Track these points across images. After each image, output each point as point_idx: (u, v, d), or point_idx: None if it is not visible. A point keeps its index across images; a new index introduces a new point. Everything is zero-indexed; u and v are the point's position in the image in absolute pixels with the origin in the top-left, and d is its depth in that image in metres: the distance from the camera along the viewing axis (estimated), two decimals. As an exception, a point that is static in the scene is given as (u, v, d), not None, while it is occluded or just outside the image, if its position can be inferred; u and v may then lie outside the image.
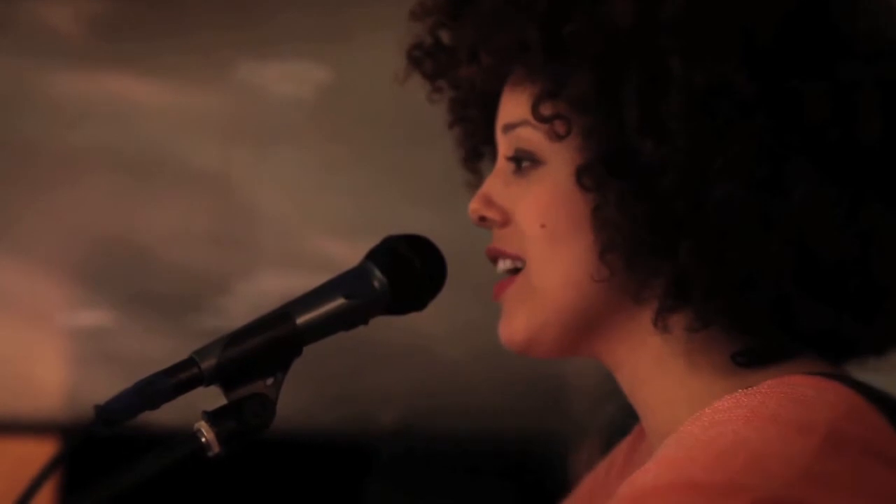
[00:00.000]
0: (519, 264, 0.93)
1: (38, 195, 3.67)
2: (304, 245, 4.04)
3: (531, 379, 6.02)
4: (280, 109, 3.01)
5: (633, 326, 0.91)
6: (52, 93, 2.99)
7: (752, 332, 0.86)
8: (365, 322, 0.91)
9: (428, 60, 0.98)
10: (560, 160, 0.90)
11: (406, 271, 0.92)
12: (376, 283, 0.90)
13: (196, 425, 0.84)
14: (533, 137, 0.91)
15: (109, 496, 0.82)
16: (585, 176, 0.88)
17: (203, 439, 0.83)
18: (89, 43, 2.77)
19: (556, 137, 0.89)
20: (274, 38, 2.71)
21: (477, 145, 1.02)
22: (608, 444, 0.99)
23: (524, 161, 0.92)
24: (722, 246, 0.84)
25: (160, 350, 4.84)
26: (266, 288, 4.32)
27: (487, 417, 7.43)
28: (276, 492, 8.18)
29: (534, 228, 0.91)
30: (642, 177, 0.85)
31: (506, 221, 0.93)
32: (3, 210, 3.80)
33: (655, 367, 0.90)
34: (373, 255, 0.92)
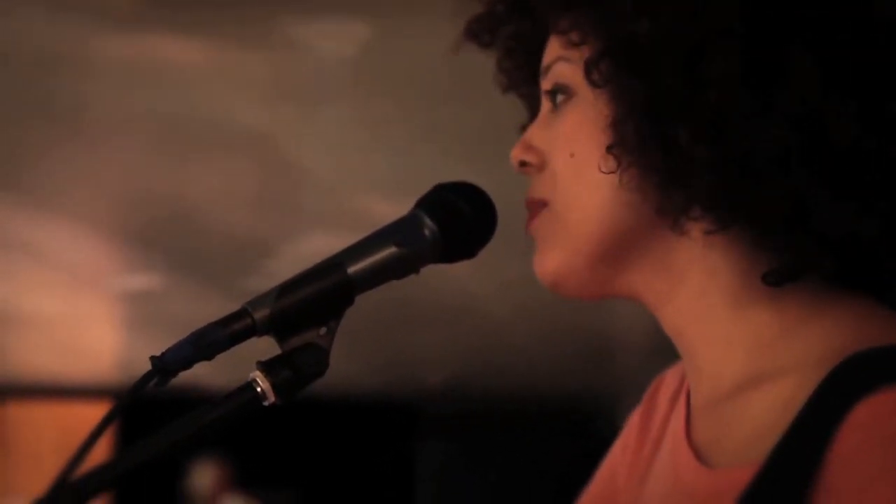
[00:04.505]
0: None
1: (86, 159, 3.70)
2: (349, 204, 4.04)
3: (579, 336, 6.04)
4: (323, 67, 3.01)
5: (670, 259, 0.90)
6: (98, 56, 3.00)
7: (771, 230, 0.85)
8: (416, 271, 0.91)
9: (483, 30, 0.99)
10: (588, 89, 0.90)
11: (457, 219, 0.91)
12: (427, 231, 0.90)
13: (251, 375, 0.84)
14: (565, 70, 0.92)
15: (166, 448, 0.82)
16: (593, 70, 0.88)
17: (258, 389, 0.83)
18: (135, 6, 2.78)
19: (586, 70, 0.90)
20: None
21: (536, 109, 1.02)
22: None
23: (559, 95, 0.93)
24: (721, 126, 0.83)
25: (209, 312, 4.88)
26: (312, 249, 4.33)
27: (535, 376, 7.49)
28: (329, 452, 8.26)
29: (564, 158, 0.91)
30: (641, 61, 0.85)
31: (543, 164, 0.93)
32: (52, 175, 3.83)
33: (699, 303, 0.89)
34: (423, 203, 0.92)
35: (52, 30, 2.84)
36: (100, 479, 0.80)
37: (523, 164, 0.94)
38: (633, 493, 0.98)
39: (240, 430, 0.85)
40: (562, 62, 0.92)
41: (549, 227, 0.92)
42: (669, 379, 1.03)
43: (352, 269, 0.87)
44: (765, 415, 0.84)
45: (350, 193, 3.90)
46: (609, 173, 0.88)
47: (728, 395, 0.88)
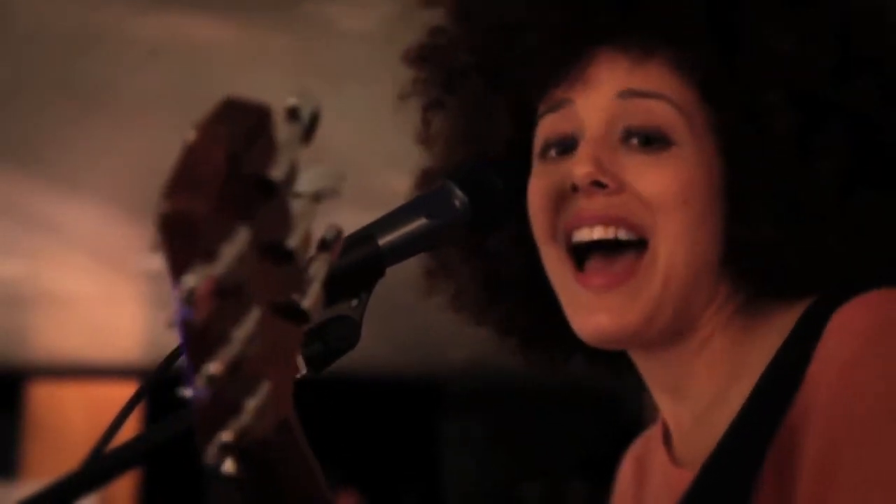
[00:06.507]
0: (633, 238, 0.90)
1: (113, 138, 3.70)
2: (374, 181, 4.04)
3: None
4: (347, 44, 3.00)
5: (704, 303, 0.92)
6: (125, 35, 3.00)
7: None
8: (448, 242, 0.91)
9: None
10: (697, 141, 0.89)
11: (487, 190, 0.91)
12: (457, 203, 0.90)
13: (283, 348, 0.83)
14: (667, 114, 0.89)
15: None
16: (739, 173, 0.89)
17: (290, 361, 0.83)
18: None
19: (692, 120, 0.89)
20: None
21: (439, 95, 1.01)
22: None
23: (647, 135, 0.90)
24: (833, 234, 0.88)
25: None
26: (337, 227, 4.33)
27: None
28: (352, 429, 8.29)
29: (676, 203, 0.89)
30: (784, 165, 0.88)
31: (621, 188, 0.89)
32: (79, 154, 3.84)
33: (701, 337, 0.92)
34: (453, 176, 0.91)
35: (79, 9, 2.84)
36: (130, 453, 0.80)
37: (598, 184, 0.89)
38: None
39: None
40: (664, 103, 0.89)
41: (645, 274, 0.90)
42: (632, 454, 1.07)
43: (383, 241, 0.87)
44: (741, 399, 0.87)
45: (375, 170, 3.90)
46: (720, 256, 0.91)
47: (712, 403, 0.91)
